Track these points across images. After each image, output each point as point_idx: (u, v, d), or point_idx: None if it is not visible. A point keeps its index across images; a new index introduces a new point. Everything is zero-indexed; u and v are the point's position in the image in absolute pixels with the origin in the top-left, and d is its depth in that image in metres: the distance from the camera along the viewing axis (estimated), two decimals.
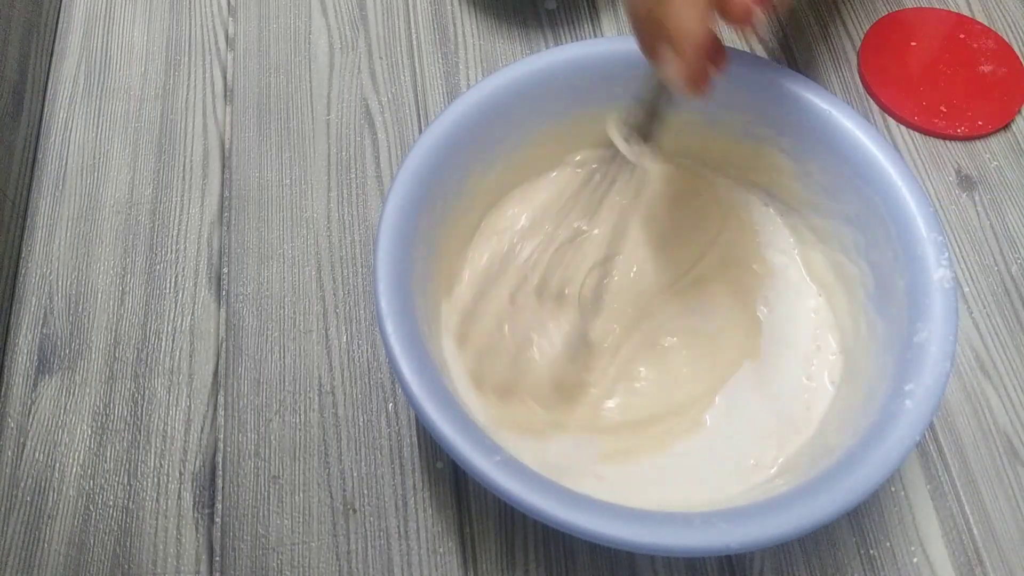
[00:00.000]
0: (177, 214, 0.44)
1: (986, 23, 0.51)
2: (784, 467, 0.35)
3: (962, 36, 0.50)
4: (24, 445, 0.39)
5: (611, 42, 0.38)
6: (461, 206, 0.38)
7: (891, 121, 0.48)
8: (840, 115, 0.36)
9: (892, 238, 0.34)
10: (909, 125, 0.47)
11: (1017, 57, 0.49)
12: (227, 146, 0.46)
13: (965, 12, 0.51)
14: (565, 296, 0.38)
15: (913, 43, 0.50)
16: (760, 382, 0.37)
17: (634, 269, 0.39)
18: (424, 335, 0.33)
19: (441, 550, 0.37)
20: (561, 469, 0.34)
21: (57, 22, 0.51)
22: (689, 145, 0.40)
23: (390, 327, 0.31)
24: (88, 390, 0.40)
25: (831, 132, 0.36)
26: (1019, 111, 0.48)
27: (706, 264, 0.40)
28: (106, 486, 0.38)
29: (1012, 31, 0.50)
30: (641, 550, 0.28)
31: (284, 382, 0.40)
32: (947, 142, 0.47)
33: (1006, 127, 0.47)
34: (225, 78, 0.49)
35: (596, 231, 0.38)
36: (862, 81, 0.49)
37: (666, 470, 0.35)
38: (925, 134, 0.47)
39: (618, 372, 0.37)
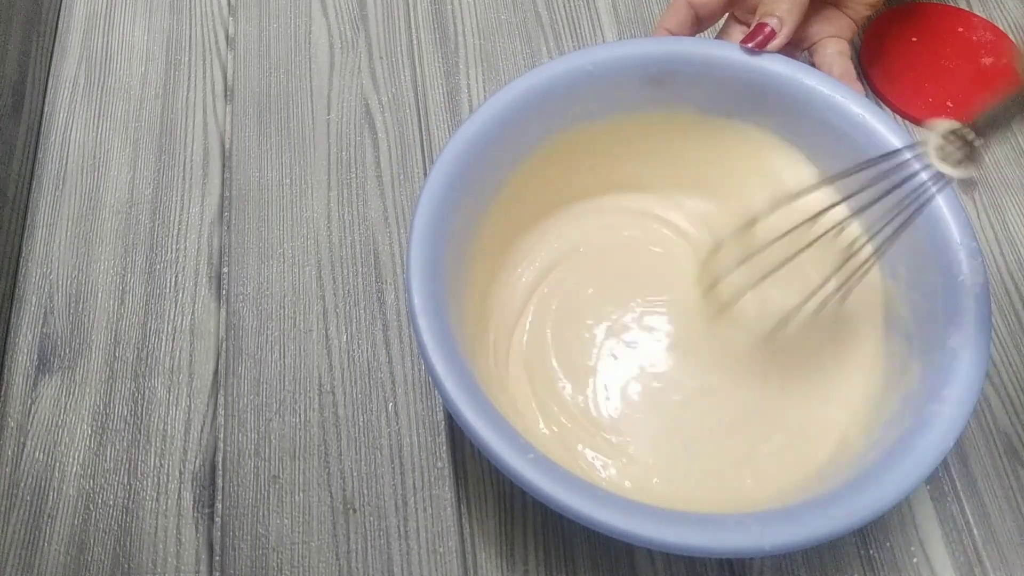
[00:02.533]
0: (177, 214, 0.44)
1: (983, 15, 0.51)
2: (817, 469, 0.35)
3: (961, 30, 0.50)
4: (24, 445, 0.39)
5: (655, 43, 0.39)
6: (495, 207, 0.38)
7: (898, 119, 0.48)
8: (872, 118, 0.36)
9: (925, 244, 0.34)
10: (916, 122, 0.47)
11: (1017, 48, 0.49)
12: (227, 146, 0.46)
13: (963, 6, 0.51)
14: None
15: (914, 39, 0.50)
16: (790, 386, 0.37)
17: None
18: (456, 334, 0.32)
19: (441, 550, 0.37)
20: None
21: (57, 22, 0.51)
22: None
23: (423, 323, 0.31)
24: (88, 390, 0.40)
25: (859, 135, 0.36)
26: None
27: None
28: (106, 486, 0.38)
29: (1009, 22, 0.51)
30: (674, 551, 0.28)
31: (284, 382, 0.40)
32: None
33: None
34: (225, 78, 0.49)
35: None
36: (866, 80, 0.49)
37: (698, 467, 0.36)
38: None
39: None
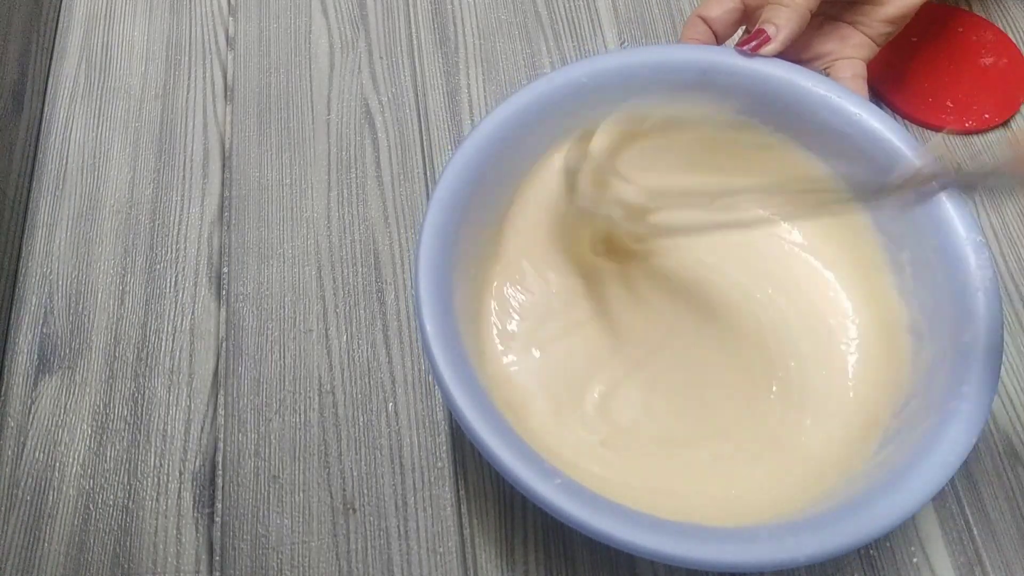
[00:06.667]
0: (177, 214, 0.44)
1: (983, 15, 0.51)
2: (841, 475, 0.34)
3: (961, 29, 0.50)
4: (24, 445, 0.39)
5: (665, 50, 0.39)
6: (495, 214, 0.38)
7: (897, 119, 0.48)
8: (870, 117, 0.36)
9: (931, 240, 0.34)
10: (917, 122, 0.47)
11: (1016, 48, 0.49)
12: (227, 146, 0.46)
13: (963, 6, 0.51)
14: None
15: (913, 39, 0.50)
16: (800, 392, 0.37)
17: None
18: (468, 353, 0.32)
19: (441, 550, 0.37)
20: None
21: (57, 22, 0.51)
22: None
23: (439, 354, 0.31)
24: (88, 390, 0.40)
25: (861, 134, 0.36)
26: (1023, 102, 0.48)
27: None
28: (106, 486, 0.38)
29: (1009, 22, 0.51)
30: (715, 568, 0.28)
31: (284, 382, 0.40)
32: (948, 141, 0.47)
33: (1005, 123, 0.47)
34: (225, 78, 0.49)
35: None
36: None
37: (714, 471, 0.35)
38: (934, 130, 0.47)
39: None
